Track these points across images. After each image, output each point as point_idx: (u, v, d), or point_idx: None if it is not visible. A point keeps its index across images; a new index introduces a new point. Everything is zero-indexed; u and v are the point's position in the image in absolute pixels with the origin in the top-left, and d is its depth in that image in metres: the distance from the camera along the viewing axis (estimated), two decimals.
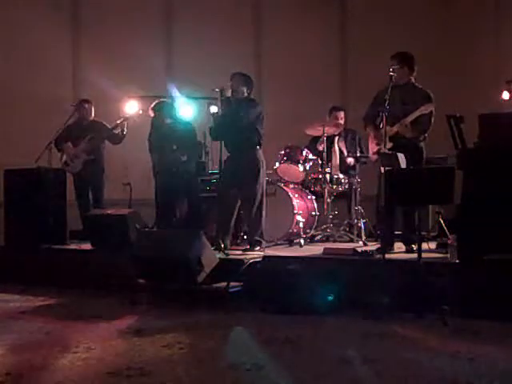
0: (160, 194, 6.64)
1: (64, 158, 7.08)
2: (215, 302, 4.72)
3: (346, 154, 6.91)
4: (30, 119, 8.44)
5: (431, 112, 5.30)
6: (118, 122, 7.00)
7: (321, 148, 6.55)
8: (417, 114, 5.26)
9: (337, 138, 6.87)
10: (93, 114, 7.28)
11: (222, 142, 5.92)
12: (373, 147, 5.57)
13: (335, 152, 6.76)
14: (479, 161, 4.59)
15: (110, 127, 7.07)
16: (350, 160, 6.92)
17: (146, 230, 6.29)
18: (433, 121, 5.34)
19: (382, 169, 5.18)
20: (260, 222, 5.80)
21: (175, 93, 7.47)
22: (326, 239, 6.63)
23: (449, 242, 5.04)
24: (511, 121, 4.80)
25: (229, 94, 5.74)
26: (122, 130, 7.03)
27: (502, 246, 4.33)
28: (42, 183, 6.56)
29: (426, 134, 5.40)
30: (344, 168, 6.85)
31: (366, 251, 5.20)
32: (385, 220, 5.54)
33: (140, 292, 5.06)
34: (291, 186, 6.80)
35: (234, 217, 5.91)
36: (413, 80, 5.50)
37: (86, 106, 7.24)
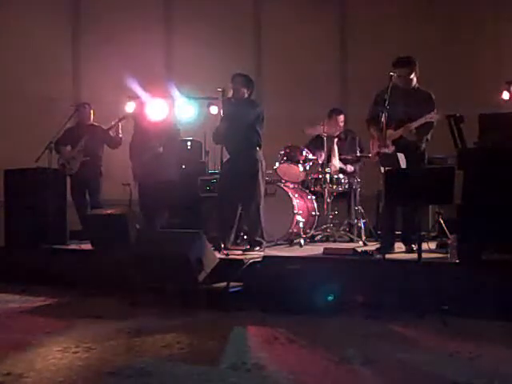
0: (141, 203, 6.65)
1: (61, 160, 7.09)
2: (215, 302, 4.72)
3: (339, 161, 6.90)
4: (30, 119, 8.44)
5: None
6: (113, 122, 7.00)
7: (321, 158, 6.56)
8: (422, 121, 5.25)
9: (336, 140, 6.86)
10: (92, 118, 7.29)
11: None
12: (374, 148, 5.55)
13: (334, 152, 6.76)
14: (479, 161, 4.59)
15: (105, 128, 7.07)
16: (351, 167, 6.93)
17: (146, 229, 6.29)
18: (435, 124, 5.35)
19: (382, 169, 5.18)
20: (260, 222, 5.79)
21: (175, 93, 7.47)
22: (326, 239, 6.63)
23: (449, 242, 5.04)
24: (511, 121, 4.80)
25: (230, 94, 5.74)
26: (118, 133, 7.02)
27: (501, 246, 4.33)
28: (41, 183, 6.56)
29: (429, 137, 5.40)
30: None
31: (365, 251, 5.21)
32: (385, 220, 5.54)
33: (140, 292, 5.06)
34: (291, 185, 6.80)
35: (236, 224, 5.87)
36: (415, 82, 5.48)
37: (86, 109, 7.25)
